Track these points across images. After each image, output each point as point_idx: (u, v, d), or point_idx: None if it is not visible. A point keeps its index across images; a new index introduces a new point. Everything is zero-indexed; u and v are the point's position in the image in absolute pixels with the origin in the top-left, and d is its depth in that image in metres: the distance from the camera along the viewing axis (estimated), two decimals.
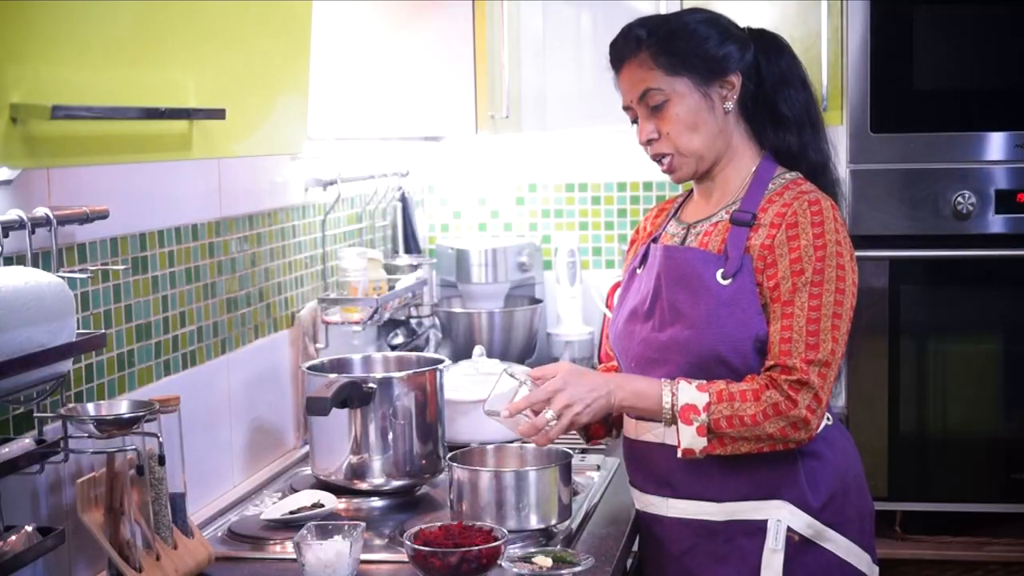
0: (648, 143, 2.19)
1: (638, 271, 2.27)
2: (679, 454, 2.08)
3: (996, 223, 3.27)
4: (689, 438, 2.05)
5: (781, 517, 2.12)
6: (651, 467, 2.21)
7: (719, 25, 2.19)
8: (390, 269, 3.32)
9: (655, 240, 2.28)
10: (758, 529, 2.14)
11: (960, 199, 3.26)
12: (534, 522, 2.15)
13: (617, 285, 2.42)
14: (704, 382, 2.07)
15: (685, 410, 2.05)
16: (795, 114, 2.21)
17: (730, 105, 2.17)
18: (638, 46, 2.16)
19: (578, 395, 2.08)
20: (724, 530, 2.16)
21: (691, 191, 2.33)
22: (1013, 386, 3.35)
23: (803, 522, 2.13)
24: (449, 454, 2.29)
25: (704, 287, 2.11)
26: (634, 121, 2.22)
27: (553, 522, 2.17)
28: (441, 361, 2.53)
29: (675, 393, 2.07)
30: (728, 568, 2.15)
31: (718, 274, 2.11)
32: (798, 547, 2.13)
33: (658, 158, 2.20)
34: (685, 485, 2.16)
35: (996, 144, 3.25)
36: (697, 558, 2.18)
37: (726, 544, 2.15)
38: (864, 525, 2.22)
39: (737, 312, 2.09)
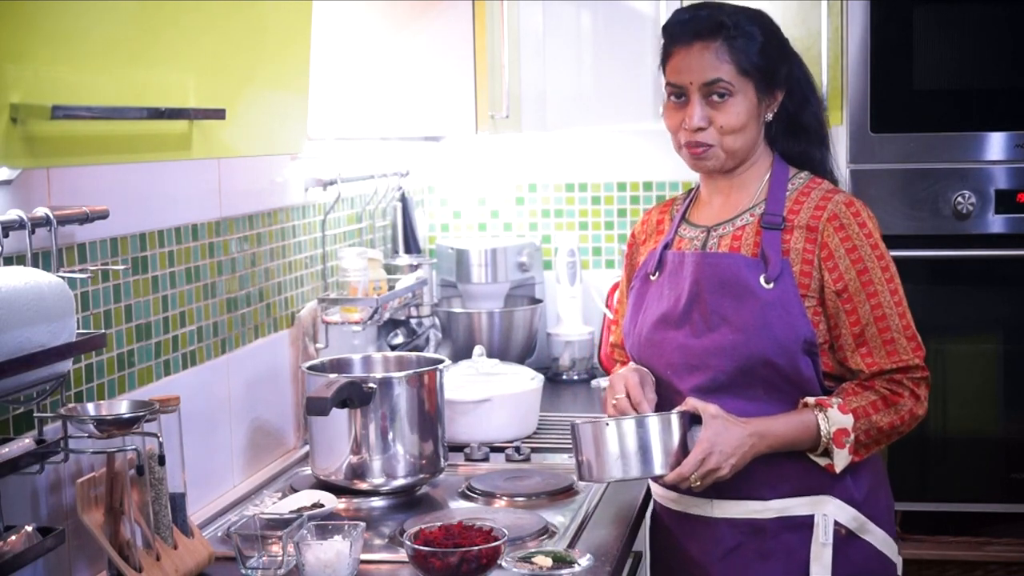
0: (696, 129, 2.16)
1: (652, 277, 2.26)
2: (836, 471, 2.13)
3: (996, 223, 3.27)
4: (843, 460, 2.12)
5: (827, 511, 2.15)
6: None
7: (782, 37, 2.22)
8: (390, 269, 3.32)
9: (667, 246, 2.27)
10: (804, 525, 2.16)
11: (960, 199, 3.26)
12: (658, 468, 2.08)
13: (617, 286, 2.41)
14: (841, 401, 2.11)
15: (838, 435, 2.10)
16: (813, 127, 2.27)
17: (770, 116, 2.21)
18: (718, 33, 2.14)
19: (724, 460, 2.07)
20: (771, 527, 2.17)
21: (693, 192, 2.34)
22: (1013, 386, 3.35)
23: (848, 515, 2.17)
24: (576, 420, 2.16)
25: (749, 292, 2.13)
26: (678, 97, 2.18)
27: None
28: (441, 361, 2.53)
29: (828, 419, 2.10)
30: (774, 565, 2.16)
31: (761, 278, 2.13)
32: (843, 540, 2.16)
33: (693, 144, 2.18)
34: (732, 486, 2.14)
35: (996, 144, 3.25)
36: (742, 558, 2.18)
37: (772, 541, 2.16)
38: (892, 517, 2.27)
39: (784, 315, 2.12)
